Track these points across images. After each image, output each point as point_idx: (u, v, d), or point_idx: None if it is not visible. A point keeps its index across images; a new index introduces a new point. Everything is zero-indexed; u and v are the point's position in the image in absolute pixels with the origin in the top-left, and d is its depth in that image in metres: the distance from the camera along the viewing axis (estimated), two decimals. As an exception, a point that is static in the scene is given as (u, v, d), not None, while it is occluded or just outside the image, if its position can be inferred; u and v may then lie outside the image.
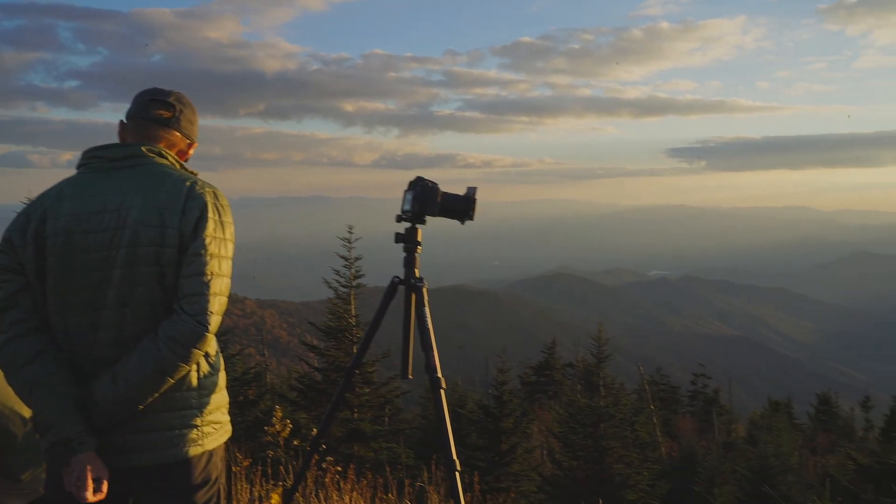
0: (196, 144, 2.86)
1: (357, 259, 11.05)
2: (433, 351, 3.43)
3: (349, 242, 10.88)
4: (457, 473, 3.32)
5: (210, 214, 2.53)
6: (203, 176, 2.69)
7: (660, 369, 27.92)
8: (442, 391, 3.42)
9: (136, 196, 2.51)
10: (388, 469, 5.91)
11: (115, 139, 2.75)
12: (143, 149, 2.61)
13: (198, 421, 2.59)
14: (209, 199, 2.56)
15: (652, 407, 18.90)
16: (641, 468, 10.23)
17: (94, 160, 2.63)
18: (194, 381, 2.58)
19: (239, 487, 5.00)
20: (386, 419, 11.23)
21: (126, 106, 2.77)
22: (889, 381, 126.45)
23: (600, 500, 8.21)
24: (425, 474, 5.48)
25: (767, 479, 11.92)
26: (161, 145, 2.69)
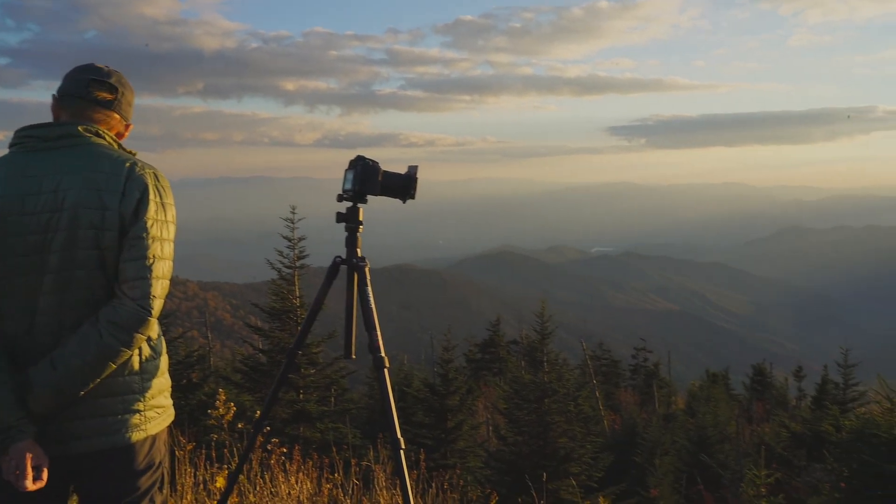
0: (132, 126, 2.78)
1: (301, 240, 10.96)
2: (376, 331, 3.43)
3: (292, 223, 10.77)
4: (401, 452, 3.34)
5: (151, 196, 2.48)
6: (142, 157, 2.62)
7: (602, 344, 28.34)
8: (385, 370, 3.42)
9: (73, 177, 2.43)
10: (334, 449, 5.91)
11: (47, 118, 2.64)
12: (80, 128, 2.53)
13: (140, 406, 2.55)
14: (150, 181, 2.51)
15: (594, 381, 19.20)
16: (585, 441, 10.41)
17: (28, 140, 2.53)
18: (136, 366, 2.54)
19: (183, 471, 4.95)
20: (332, 400, 11.21)
21: (59, 84, 2.67)
22: (820, 350, 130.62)
23: (544, 474, 8.34)
24: (371, 453, 5.50)
25: (706, 449, 12.25)
26: (100, 127, 2.61)
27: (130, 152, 2.64)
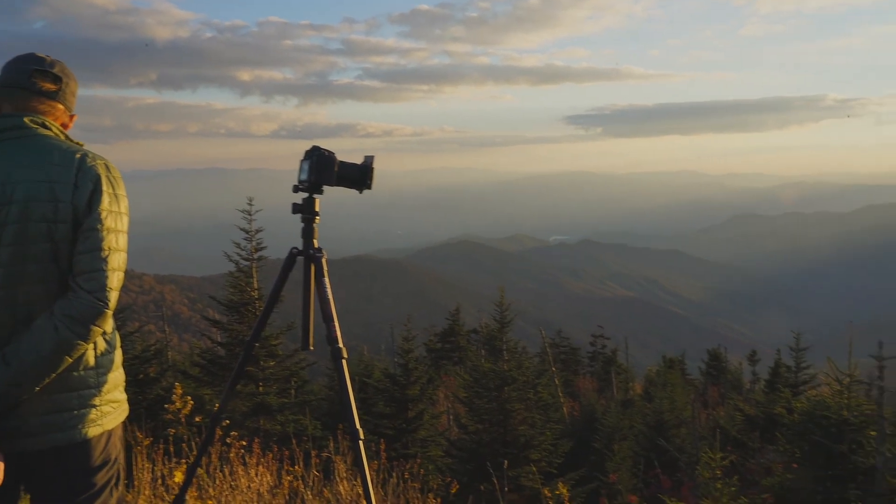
0: (76, 116, 2.73)
1: (258, 231, 10.87)
2: (334, 322, 3.42)
3: (249, 215, 10.68)
4: (360, 442, 3.34)
5: (104, 188, 2.44)
6: (94, 148, 2.58)
7: (561, 332, 28.56)
8: (344, 361, 3.42)
9: (22, 170, 2.38)
10: (294, 441, 5.88)
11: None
12: (26, 119, 2.47)
13: (96, 400, 2.52)
14: (102, 172, 2.47)
15: (553, 369, 19.36)
16: (544, 428, 10.50)
17: None
18: (91, 360, 2.50)
19: (140, 466, 4.89)
20: (292, 391, 11.16)
21: (-1, 75, 2.60)
22: (773, 334, 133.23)
23: (505, 462, 8.40)
24: (332, 444, 5.49)
25: (663, 433, 12.43)
26: (46, 118, 2.55)
27: (78, 143, 2.59)
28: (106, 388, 2.56)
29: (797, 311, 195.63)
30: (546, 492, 6.47)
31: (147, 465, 4.93)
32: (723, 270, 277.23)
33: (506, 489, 8.42)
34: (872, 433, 7.75)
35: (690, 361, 28.36)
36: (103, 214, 2.42)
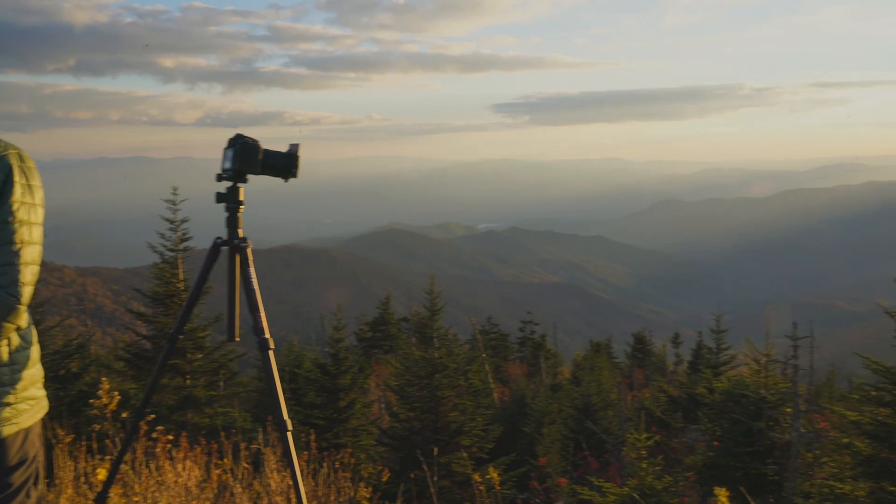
0: None
1: (184, 221, 10.64)
2: (260, 312, 3.38)
3: (174, 204, 10.44)
4: (288, 433, 3.31)
5: (16, 178, 2.35)
6: (10, 137, 2.47)
7: (490, 318, 28.79)
8: (270, 352, 3.38)
9: (-69, 161, 2.29)
10: (223, 434, 5.80)
11: None
12: None
13: (11, 398, 2.44)
14: (14, 162, 2.37)
15: (484, 355, 19.51)
16: (475, 414, 10.57)
17: None
18: (5, 357, 2.42)
19: (62, 465, 4.75)
20: (221, 384, 10.98)
21: None
22: (695, 317, 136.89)
23: (436, 449, 8.43)
24: (261, 436, 5.43)
25: (590, 416, 12.66)
26: None
27: (-11, 133, 2.48)
28: (21, 385, 2.48)
29: (718, 293, 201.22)
30: (477, 477, 6.53)
31: (69, 463, 4.79)
32: (647, 255, 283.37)
33: (435, 477, 8.47)
34: (788, 410, 8.04)
35: (617, 345, 28.93)
36: (15, 206, 2.34)
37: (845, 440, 6.93)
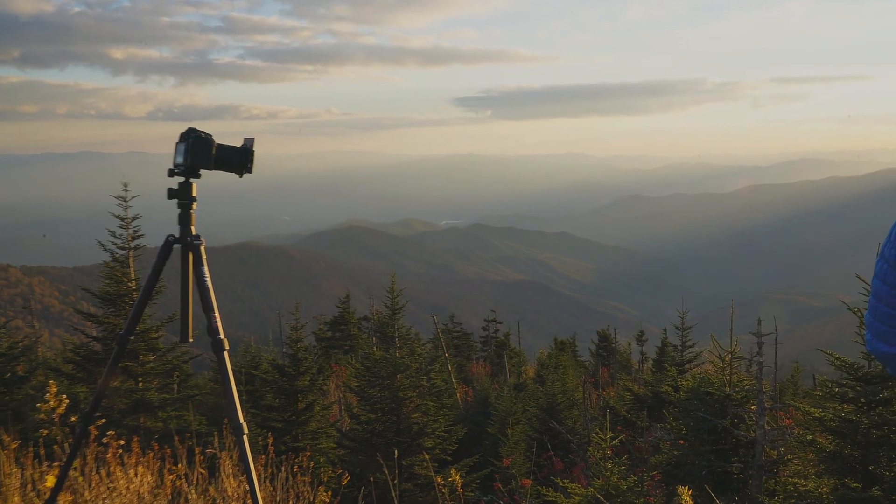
0: None
1: (135, 218, 10.48)
2: (214, 312, 3.34)
3: (125, 201, 10.28)
4: (244, 437, 3.28)
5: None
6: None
7: (453, 317, 28.82)
8: (225, 353, 3.34)
9: None
10: (177, 438, 5.72)
11: None
12: None
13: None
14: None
15: (446, 354, 19.51)
16: (438, 415, 10.57)
17: None
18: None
19: (7, 471, 4.66)
20: (174, 386, 10.85)
21: None
22: (660, 314, 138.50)
23: (397, 451, 8.42)
24: (217, 440, 5.37)
25: (555, 416, 12.73)
26: None
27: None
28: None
29: (682, 289, 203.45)
30: (439, 480, 6.52)
31: (16, 470, 4.69)
32: (611, 252, 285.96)
33: (396, 480, 8.46)
34: (753, 407, 8.16)
35: (581, 343, 29.12)
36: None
37: (809, 437, 7.05)
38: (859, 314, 6.35)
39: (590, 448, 7.59)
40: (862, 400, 6.60)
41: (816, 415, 6.81)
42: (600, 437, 7.10)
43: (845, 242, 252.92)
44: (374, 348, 12.38)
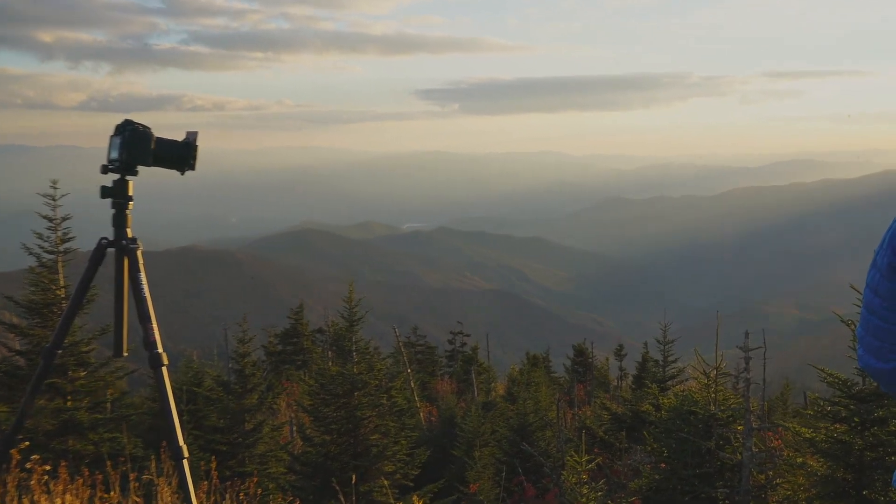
0: None
1: (65, 219, 10.35)
2: (152, 323, 3.30)
3: (53, 200, 10.15)
4: (184, 461, 3.25)
5: None
6: None
7: (416, 329, 28.80)
8: (163, 369, 3.31)
9: None
10: (109, 463, 5.66)
11: None
12: None
13: None
14: None
15: (409, 370, 19.50)
16: (399, 437, 10.56)
17: None
18: None
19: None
20: (107, 405, 10.72)
21: None
22: (639, 326, 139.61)
23: (354, 476, 8.39)
24: (154, 465, 5.32)
25: (527, 437, 12.77)
26: None
27: None
28: None
29: (665, 300, 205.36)
30: (400, 507, 6.51)
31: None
32: (589, 258, 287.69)
33: (356, 506, 8.43)
34: (739, 428, 8.25)
35: (556, 358, 29.25)
36: None
37: (799, 459, 7.14)
38: (853, 327, 6.44)
39: (564, 472, 7.62)
40: (855, 419, 6.70)
41: (807, 435, 6.90)
42: (575, 460, 7.13)
43: (839, 250, 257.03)
44: (330, 363, 12.33)
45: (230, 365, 12.32)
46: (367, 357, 13.01)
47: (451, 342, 28.94)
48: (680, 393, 10.00)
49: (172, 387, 3.30)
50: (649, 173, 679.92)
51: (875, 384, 6.61)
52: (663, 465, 8.69)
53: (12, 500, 4.60)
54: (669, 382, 15.27)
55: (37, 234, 10.40)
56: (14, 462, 4.55)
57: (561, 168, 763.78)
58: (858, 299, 6.19)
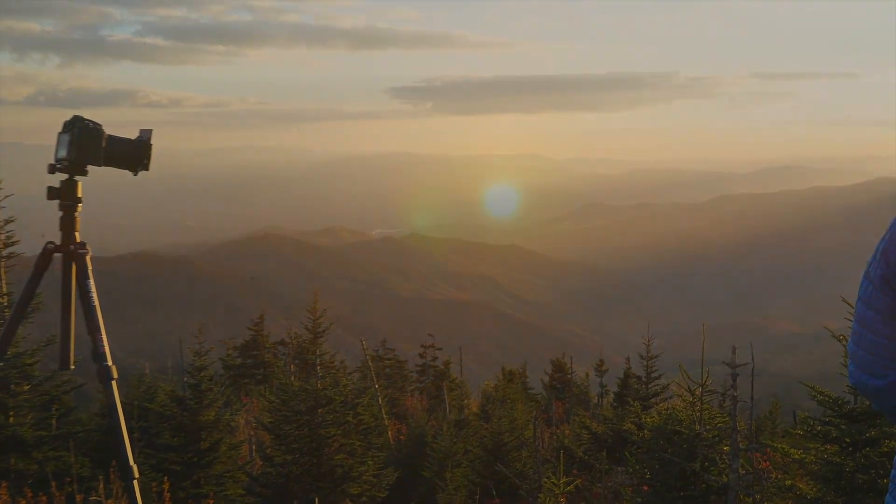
0: None
1: (8, 222, 10.28)
2: (101, 333, 3.27)
3: (-5, 201, 10.08)
4: (135, 482, 3.22)
5: None
6: None
7: (385, 341, 28.77)
8: (113, 382, 3.28)
9: None
10: (54, 484, 5.61)
11: None
12: None
13: None
14: None
15: (377, 386, 19.44)
16: (365, 457, 10.54)
17: None
18: None
19: None
20: (53, 422, 10.62)
21: None
22: (622, 340, 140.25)
23: (316, 498, 8.36)
24: (102, 486, 5.28)
25: (501, 457, 12.78)
26: None
27: None
28: None
29: (648, 312, 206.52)
30: (366, 531, 6.50)
31: None
32: (568, 268, 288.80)
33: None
34: (726, 448, 8.30)
35: (533, 373, 29.30)
36: None
37: (788, 482, 7.20)
38: (844, 342, 6.50)
39: (541, 495, 7.63)
40: (847, 440, 6.76)
41: (797, 456, 6.95)
42: (553, 482, 7.15)
43: (832, 261, 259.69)
44: (292, 378, 12.28)
45: (185, 379, 12.22)
46: (333, 371, 12.99)
47: (422, 356, 28.90)
48: (664, 411, 10.05)
49: (123, 402, 3.27)
50: (633, 179, 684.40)
51: (867, 402, 6.68)
52: (646, 488, 8.73)
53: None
54: (653, 400, 15.35)
55: (-23, 237, 10.31)
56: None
57: (539, 172, 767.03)
58: (850, 313, 6.24)
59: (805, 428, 7.23)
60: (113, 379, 3.34)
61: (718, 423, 8.64)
